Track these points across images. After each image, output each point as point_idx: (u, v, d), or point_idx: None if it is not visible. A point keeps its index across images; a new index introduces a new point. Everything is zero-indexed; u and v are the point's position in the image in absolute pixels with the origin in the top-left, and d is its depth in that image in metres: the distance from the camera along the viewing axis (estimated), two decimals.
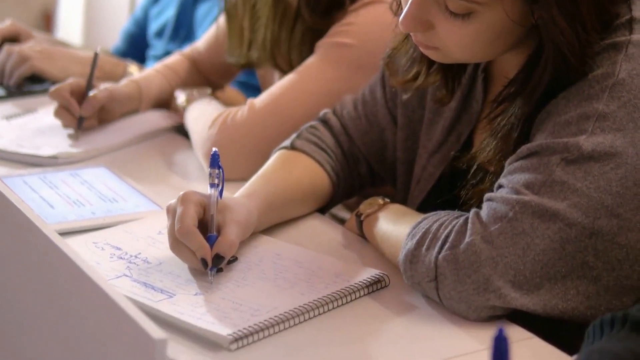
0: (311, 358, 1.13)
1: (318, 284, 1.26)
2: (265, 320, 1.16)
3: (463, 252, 1.17)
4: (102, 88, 1.93)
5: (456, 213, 1.25)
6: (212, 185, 1.32)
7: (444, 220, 1.23)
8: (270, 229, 1.45)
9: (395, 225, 1.34)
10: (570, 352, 1.12)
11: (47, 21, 4.31)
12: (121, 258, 1.33)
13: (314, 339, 1.17)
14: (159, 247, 1.35)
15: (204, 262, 1.26)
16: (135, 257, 1.34)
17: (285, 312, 1.18)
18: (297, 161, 1.52)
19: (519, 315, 1.20)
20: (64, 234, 1.42)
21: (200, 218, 1.30)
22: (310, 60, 1.75)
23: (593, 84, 1.20)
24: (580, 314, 1.18)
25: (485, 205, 1.21)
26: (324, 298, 1.22)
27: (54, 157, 1.76)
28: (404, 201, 1.52)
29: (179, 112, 1.96)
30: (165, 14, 2.57)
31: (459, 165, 1.38)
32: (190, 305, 1.20)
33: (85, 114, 1.87)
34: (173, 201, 1.31)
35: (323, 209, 1.57)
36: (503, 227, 1.17)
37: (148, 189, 1.62)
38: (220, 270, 1.28)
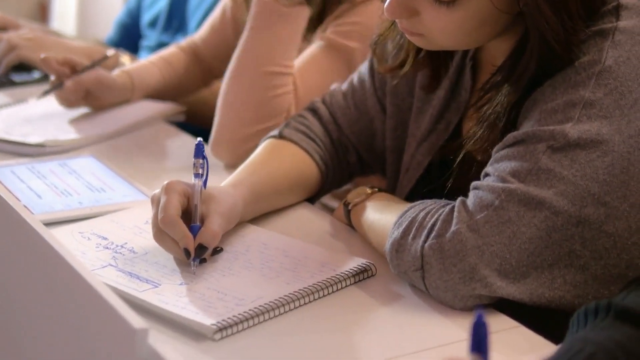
0: (296, 347, 1.13)
1: (304, 273, 1.25)
2: (249, 310, 1.15)
3: (449, 240, 1.17)
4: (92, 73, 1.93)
5: (443, 202, 1.24)
6: (196, 175, 1.31)
7: (430, 208, 1.22)
8: (258, 219, 1.44)
9: (382, 214, 1.33)
10: (558, 341, 1.11)
11: (42, 11, 4.30)
12: (107, 248, 1.33)
13: (299, 328, 1.16)
14: (146, 236, 1.34)
15: (186, 252, 1.25)
16: (122, 246, 1.33)
17: (270, 302, 1.17)
18: (285, 150, 1.51)
19: (506, 304, 1.19)
20: (51, 224, 1.41)
21: (184, 208, 1.29)
22: (312, 57, 1.75)
23: (579, 71, 1.19)
24: (567, 302, 1.17)
25: (471, 194, 1.20)
26: (310, 287, 1.21)
27: (41, 145, 1.75)
28: (393, 190, 1.51)
29: None
30: (158, 4, 2.57)
31: (447, 154, 1.37)
32: (175, 295, 1.19)
33: (67, 83, 1.87)
34: (158, 190, 1.30)
35: (312, 199, 1.56)
36: (489, 216, 1.16)
37: (137, 179, 1.62)
38: (203, 260, 1.28)
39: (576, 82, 1.19)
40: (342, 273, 1.25)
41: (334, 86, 1.61)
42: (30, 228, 1.13)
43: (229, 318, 1.13)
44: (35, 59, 2.18)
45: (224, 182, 1.42)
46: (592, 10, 1.21)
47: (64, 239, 1.34)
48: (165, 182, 1.30)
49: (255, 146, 1.55)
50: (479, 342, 0.77)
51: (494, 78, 1.27)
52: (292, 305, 1.19)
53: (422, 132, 1.46)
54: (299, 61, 1.76)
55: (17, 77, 2.18)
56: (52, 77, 1.94)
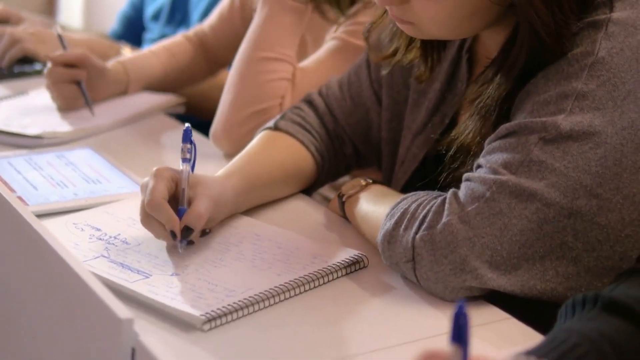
0: (286, 338, 1.12)
1: (295, 264, 1.25)
2: (239, 301, 1.15)
3: (440, 232, 1.16)
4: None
5: (435, 193, 1.24)
6: (184, 160, 1.32)
7: (422, 200, 1.22)
8: (252, 210, 1.44)
9: (375, 206, 1.33)
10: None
11: (50, 4, 4.31)
12: (100, 239, 1.33)
13: (289, 319, 1.16)
14: (139, 228, 1.34)
15: (173, 234, 1.26)
16: (115, 238, 1.33)
17: (260, 293, 1.17)
18: (280, 141, 1.51)
19: (497, 296, 1.19)
20: (45, 215, 1.41)
21: (172, 193, 1.30)
22: (321, 55, 1.75)
23: (572, 63, 1.18)
24: (559, 294, 1.17)
25: (463, 186, 1.20)
26: (301, 279, 1.21)
27: (39, 137, 1.75)
28: (388, 183, 1.50)
29: None
30: None
31: (442, 147, 1.37)
32: (166, 285, 1.19)
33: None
34: (147, 178, 1.31)
35: (309, 191, 1.56)
36: (480, 207, 1.16)
37: (134, 170, 1.62)
38: (191, 242, 1.28)
39: (569, 74, 1.18)
40: (334, 264, 1.25)
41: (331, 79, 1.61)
42: (21, 219, 1.13)
43: (218, 309, 1.13)
44: (39, 52, 2.19)
45: (219, 172, 1.42)
46: (585, 3, 1.20)
47: (57, 230, 1.34)
48: (154, 169, 1.30)
49: (251, 131, 1.55)
50: (459, 332, 0.76)
51: (487, 70, 1.26)
52: (282, 297, 1.18)
53: (418, 125, 1.45)
54: (308, 59, 1.77)
55: (16, 69, 2.18)
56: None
